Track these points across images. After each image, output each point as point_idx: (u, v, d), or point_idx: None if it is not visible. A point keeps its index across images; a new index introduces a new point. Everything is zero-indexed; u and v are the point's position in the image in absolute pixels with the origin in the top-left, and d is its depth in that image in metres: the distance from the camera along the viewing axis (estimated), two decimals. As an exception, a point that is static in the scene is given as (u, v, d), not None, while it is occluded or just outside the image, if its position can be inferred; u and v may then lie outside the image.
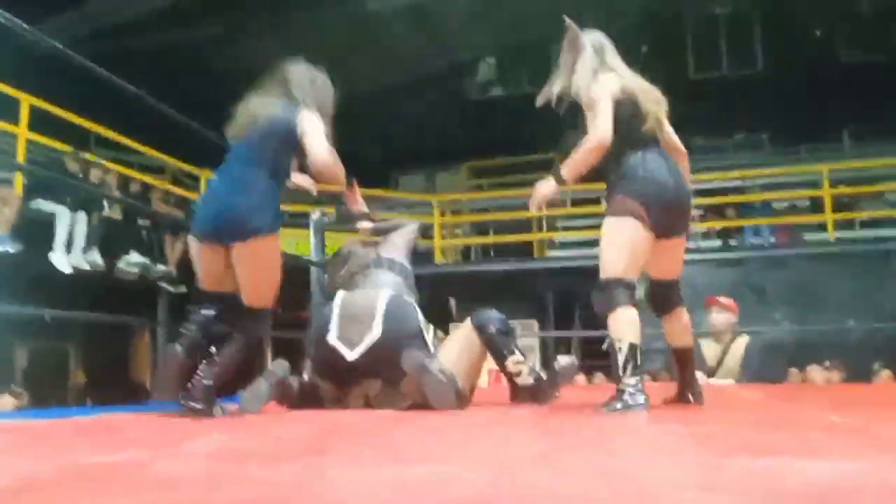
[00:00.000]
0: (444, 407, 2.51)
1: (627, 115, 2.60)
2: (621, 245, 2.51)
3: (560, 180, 2.68)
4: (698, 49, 14.15)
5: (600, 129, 2.53)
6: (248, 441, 1.76)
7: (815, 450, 1.48)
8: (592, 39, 2.78)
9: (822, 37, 12.73)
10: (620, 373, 2.44)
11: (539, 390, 2.96)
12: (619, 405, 2.40)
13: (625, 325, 2.47)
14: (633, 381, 2.41)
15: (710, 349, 4.61)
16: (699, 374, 4.46)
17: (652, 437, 1.78)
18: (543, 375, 3.01)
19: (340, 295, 2.93)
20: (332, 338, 2.76)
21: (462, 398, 2.69)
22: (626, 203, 2.51)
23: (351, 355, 2.70)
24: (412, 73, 13.05)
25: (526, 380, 2.93)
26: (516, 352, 2.92)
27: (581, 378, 8.12)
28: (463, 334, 2.94)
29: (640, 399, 2.39)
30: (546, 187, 2.76)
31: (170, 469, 1.30)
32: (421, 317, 2.83)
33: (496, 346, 2.89)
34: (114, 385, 9.60)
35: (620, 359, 2.44)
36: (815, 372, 5.55)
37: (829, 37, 12.76)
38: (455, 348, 2.90)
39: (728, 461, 1.30)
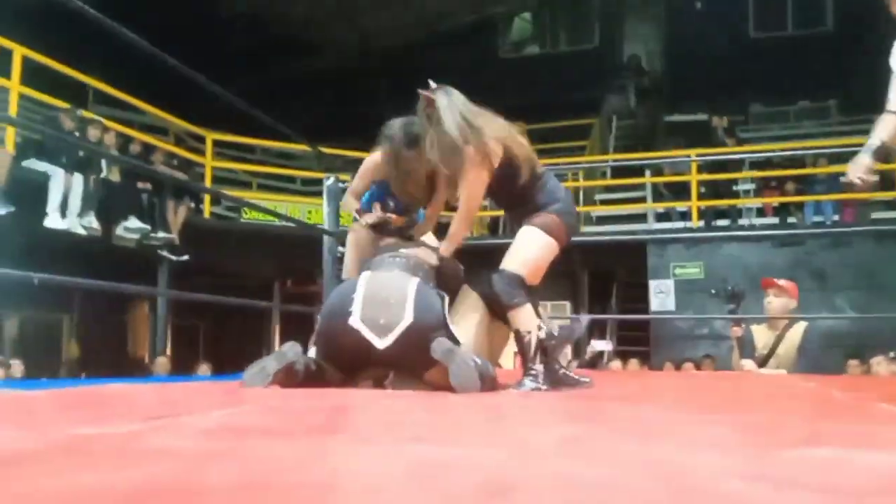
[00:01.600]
0: (467, 391, 2.51)
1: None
2: (538, 259, 2.96)
3: None
4: (760, 4, 13.88)
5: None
6: (248, 417, 1.77)
7: (873, 441, 1.45)
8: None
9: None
10: (531, 358, 2.85)
11: (547, 345, 2.95)
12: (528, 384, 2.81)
13: (531, 318, 2.88)
14: (540, 366, 2.86)
15: (762, 336, 4.55)
16: (747, 363, 4.44)
17: (693, 425, 1.76)
18: (554, 330, 3.00)
19: (365, 274, 2.88)
20: (356, 320, 2.70)
21: (492, 382, 2.69)
22: (561, 229, 2.98)
23: (381, 343, 2.65)
24: (438, 29, 12.95)
25: (534, 335, 2.91)
26: (522, 305, 2.91)
27: (616, 363, 8.12)
28: (473, 307, 2.98)
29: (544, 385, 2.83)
30: None
31: (162, 443, 1.31)
32: (446, 309, 2.82)
33: (502, 304, 2.92)
34: (110, 358, 9.78)
35: (532, 347, 2.86)
36: (881, 363, 5.46)
37: (908, -8, 12.40)
38: (472, 326, 2.92)
39: (776, 451, 1.28)
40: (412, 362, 2.67)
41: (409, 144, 3.07)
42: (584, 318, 3.52)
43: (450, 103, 2.87)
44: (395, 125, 3.13)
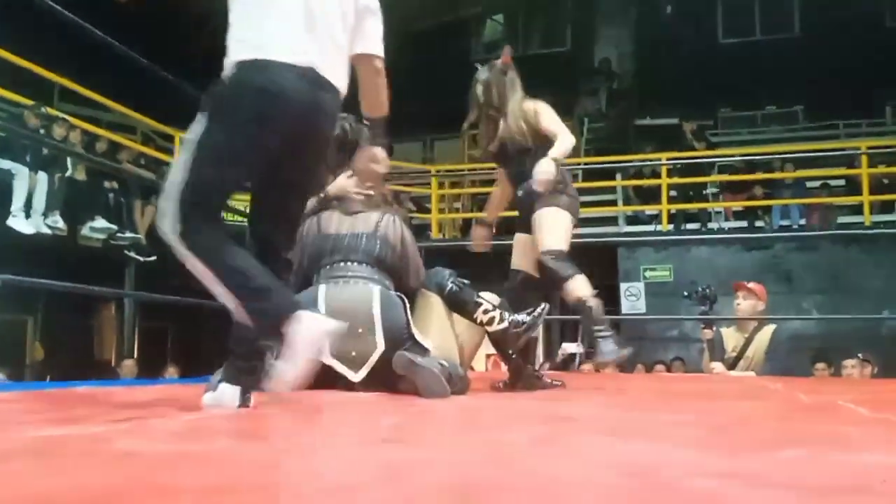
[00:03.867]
0: (436, 397, 2.49)
1: None
2: (568, 233, 3.16)
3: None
4: (729, 10, 14.05)
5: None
6: (218, 420, 1.76)
7: (840, 441, 1.48)
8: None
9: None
10: (595, 326, 2.92)
11: (514, 334, 2.94)
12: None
13: (586, 286, 3.00)
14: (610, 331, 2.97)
15: (731, 338, 4.60)
16: (717, 365, 4.49)
17: (665, 425, 1.78)
18: (520, 318, 2.99)
19: (322, 290, 2.74)
20: (327, 357, 2.47)
21: (461, 383, 2.66)
22: (572, 206, 3.19)
23: (356, 376, 2.59)
24: (410, 31, 12.94)
25: (500, 325, 2.89)
26: (481, 300, 2.89)
27: (589, 366, 8.16)
28: (434, 310, 2.89)
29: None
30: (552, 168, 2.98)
31: (131, 445, 1.30)
32: (408, 313, 2.75)
33: (461, 301, 2.87)
34: (76, 361, 9.62)
35: (593, 313, 2.95)
36: (855, 367, 5.53)
37: (874, -1, 12.64)
38: (435, 326, 2.85)
39: (746, 451, 1.30)
40: (387, 383, 2.60)
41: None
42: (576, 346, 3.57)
43: None
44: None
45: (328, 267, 2.84)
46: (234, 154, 1.92)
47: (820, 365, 5.63)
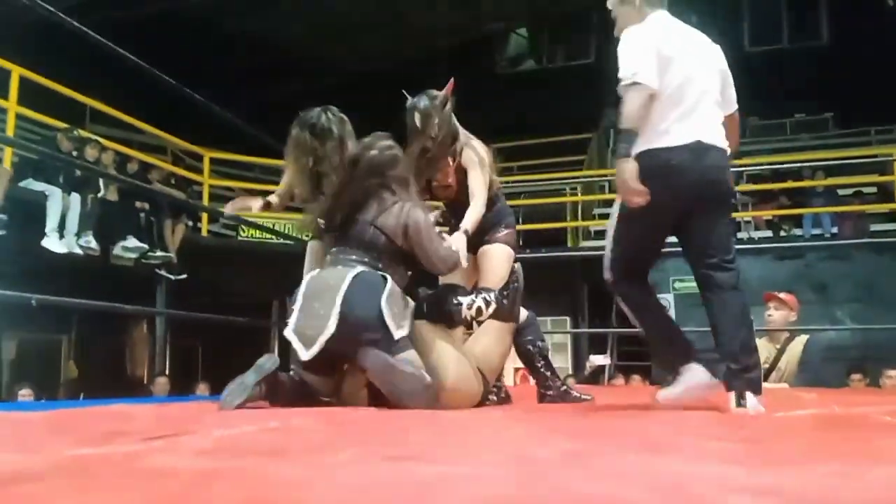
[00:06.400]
0: (417, 405, 2.46)
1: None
2: (507, 271, 3.26)
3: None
4: (756, 18, 13.96)
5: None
6: (248, 436, 1.77)
7: (878, 455, 1.45)
8: None
9: (895, 5, 12.47)
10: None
11: (504, 312, 2.98)
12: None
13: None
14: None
15: (763, 350, 4.54)
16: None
17: (697, 440, 1.76)
18: (501, 296, 3.01)
19: (311, 275, 2.86)
20: (289, 331, 2.69)
21: (431, 394, 2.58)
22: (515, 242, 3.45)
23: (306, 355, 2.63)
24: (435, 46, 13.01)
25: (490, 309, 2.90)
26: (461, 299, 2.88)
27: (619, 380, 8.09)
28: (440, 336, 2.86)
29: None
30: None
31: (162, 463, 1.30)
32: (388, 295, 2.67)
33: (442, 312, 2.86)
34: (109, 379, 9.74)
35: None
36: (893, 377, 5.41)
37: (904, 5, 12.47)
38: (446, 355, 2.80)
39: (781, 465, 1.28)
40: (333, 372, 2.67)
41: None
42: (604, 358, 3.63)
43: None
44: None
45: (327, 258, 2.93)
46: None
47: (856, 376, 5.53)
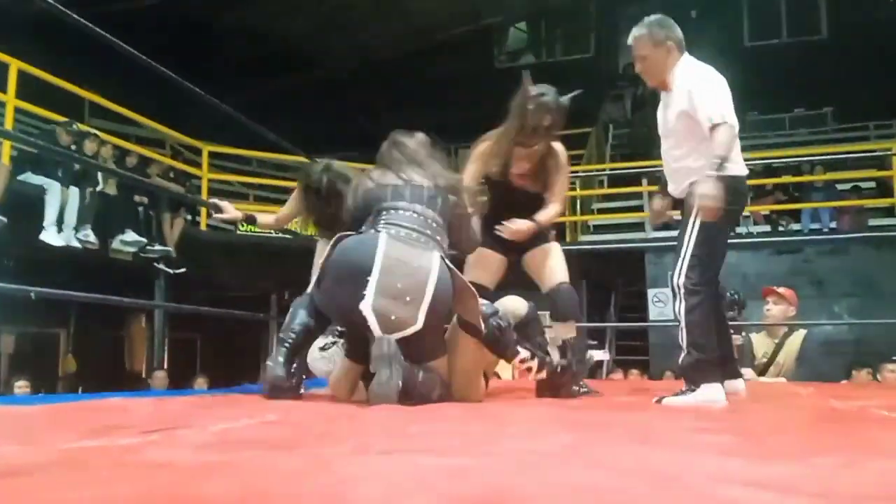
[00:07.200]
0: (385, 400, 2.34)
1: None
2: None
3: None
4: (755, 13, 13.93)
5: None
6: (247, 429, 1.77)
7: (874, 449, 1.45)
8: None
9: (894, 1, 12.46)
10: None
11: (557, 383, 2.94)
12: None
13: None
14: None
15: (761, 344, 4.55)
16: (747, 372, 4.43)
17: (694, 433, 1.76)
18: (561, 362, 2.98)
19: (383, 241, 2.52)
20: (367, 307, 2.39)
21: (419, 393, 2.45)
22: None
23: (383, 340, 2.40)
24: (434, 40, 12.98)
25: (539, 375, 2.84)
26: (519, 349, 2.74)
27: (618, 374, 8.10)
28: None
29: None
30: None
31: (160, 456, 1.31)
32: (456, 281, 2.60)
33: (501, 343, 2.69)
34: (107, 372, 9.74)
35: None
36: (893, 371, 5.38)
37: (903, 0, 12.45)
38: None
39: (777, 458, 1.28)
40: (412, 356, 2.46)
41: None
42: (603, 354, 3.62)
43: None
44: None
45: (389, 212, 2.65)
46: None
47: (861, 371, 5.51)
